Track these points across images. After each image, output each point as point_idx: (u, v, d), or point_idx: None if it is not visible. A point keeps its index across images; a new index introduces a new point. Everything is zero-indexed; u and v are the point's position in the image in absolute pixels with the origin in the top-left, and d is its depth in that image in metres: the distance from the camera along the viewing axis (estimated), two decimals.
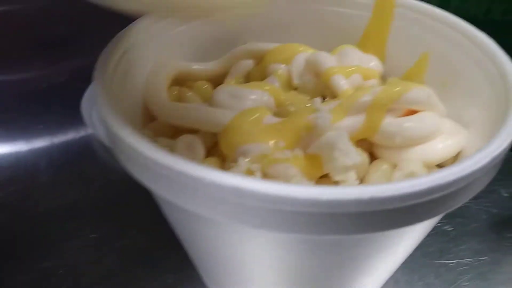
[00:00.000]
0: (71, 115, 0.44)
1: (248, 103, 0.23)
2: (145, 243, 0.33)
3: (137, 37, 0.24)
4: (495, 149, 0.16)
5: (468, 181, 0.15)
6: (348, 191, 0.14)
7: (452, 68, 0.24)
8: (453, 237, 0.34)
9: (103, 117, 0.18)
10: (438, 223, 0.36)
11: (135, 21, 0.25)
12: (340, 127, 0.21)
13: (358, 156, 0.19)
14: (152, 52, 0.25)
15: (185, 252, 0.26)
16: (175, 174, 0.15)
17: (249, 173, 0.20)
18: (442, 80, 0.25)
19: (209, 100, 0.24)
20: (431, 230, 0.35)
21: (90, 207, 0.36)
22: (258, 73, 0.27)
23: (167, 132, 0.24)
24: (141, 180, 0.17)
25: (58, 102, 0.47)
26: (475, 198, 0.37)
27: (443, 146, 0.21)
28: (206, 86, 0.26)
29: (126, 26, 0.25)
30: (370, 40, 0.28)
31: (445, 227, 0.35)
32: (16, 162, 0.41)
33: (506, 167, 0.38)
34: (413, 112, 0.22)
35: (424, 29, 0.25)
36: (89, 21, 0.49)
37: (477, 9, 0.39)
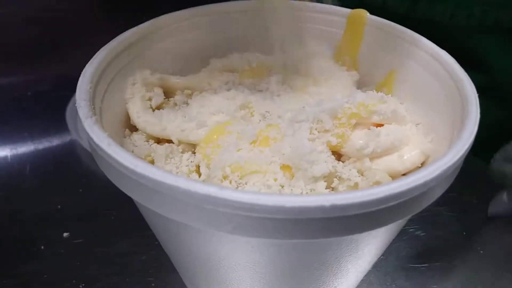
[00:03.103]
0: (55, 122, 0.45)
1: (225, 117, 0.24)
2: (128, 248, 0.34)
3: (123, 49, 0.25)
4: (446, 162, 0.17)
5: (421, 190, 0.17)
6: (311, 199, 0.15)
7: (416, 83, 0.26)
8: (425, 242, 0.36)
9: (84, 129, 0.19)
10: (410, 228, 0.38)
11: (122, 34, 0.26)
12: (311, 139, 0.22)
13: (327, 168, 0.21)
14: (137, 64, 0.26)
15: (167, 256, 0.27)
16: (152, 183, 0.16)
17: (226, 181, 0.21)
18: (409, 93, 0.26)
19: (186, 112, 0.24)
20: (404, 235, 0.37)
21: (74, 213, 0.37)
22: (238, 85, 0.28)
23: (152, 139, 0.25)
24: (122, 189, 0.19)
25: (43, 109, 0.48)
26: (447, 204, 0.39)
27: (408, 157, 0.23)
28: (185, 98, 0.27)
29: (113, 35, 0.25)
30: (343, 54, 0.29)
31: (417, 232, 0.37)
32: (1, 169, 0.41)
33: (478, 177, 0.40)
34: (380, 125, 0.24)
35: (392, 46, 0.27)
36: (75, 29, 0.50)
37: (442, 14, 0.41)
